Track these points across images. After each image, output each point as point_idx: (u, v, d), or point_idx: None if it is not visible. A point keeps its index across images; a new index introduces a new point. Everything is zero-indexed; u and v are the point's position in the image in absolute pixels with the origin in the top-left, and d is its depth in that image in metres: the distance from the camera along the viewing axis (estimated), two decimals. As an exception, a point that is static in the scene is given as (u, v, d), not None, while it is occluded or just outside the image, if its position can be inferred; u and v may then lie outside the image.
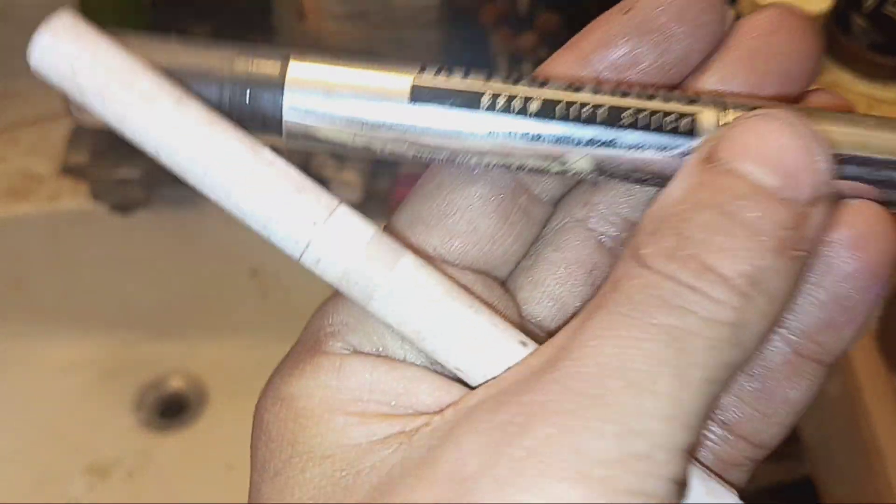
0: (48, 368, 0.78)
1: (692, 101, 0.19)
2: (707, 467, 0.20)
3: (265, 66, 0.19)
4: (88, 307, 0.79)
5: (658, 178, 0.19)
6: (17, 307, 0.78)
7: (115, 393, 0.77)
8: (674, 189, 0.18)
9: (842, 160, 0.19)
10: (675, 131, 0.19)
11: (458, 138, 0.19)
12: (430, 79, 0.19)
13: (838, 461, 0.42)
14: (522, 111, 0.19)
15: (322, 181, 0.69)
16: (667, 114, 0.19)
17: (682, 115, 0.19)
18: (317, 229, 0.18)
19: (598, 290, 0.18)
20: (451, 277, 0.20)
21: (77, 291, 0.79)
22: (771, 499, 0.59)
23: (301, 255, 0.19)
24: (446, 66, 0.20)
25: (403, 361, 0.20)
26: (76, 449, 0.74)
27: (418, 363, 0.20)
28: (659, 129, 0.19)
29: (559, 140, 0.19)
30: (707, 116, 0.19)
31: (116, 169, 0.67)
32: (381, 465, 0.18)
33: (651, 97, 0.19)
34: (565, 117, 0.19)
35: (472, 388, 0.19)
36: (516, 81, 0.19)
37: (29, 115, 0.79)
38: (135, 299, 0.79)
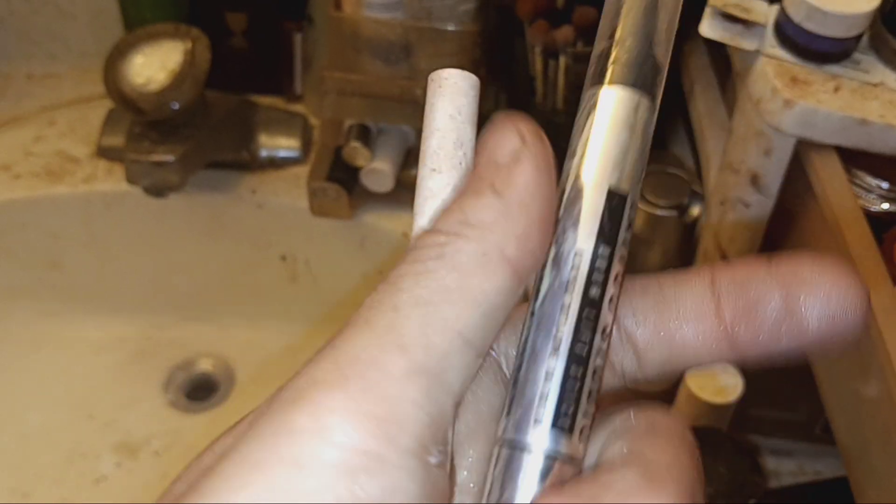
0: (80, 348, 0.79)
1: None
2: None
3: None
4: (121, 289, 0.80)
5: None
6: (50, 287, 0.79)
7: (145, 373, 0.78)
8: None
9: None
10: None
11: None
12: None
13: (875, 464, 0.41)
14: None
15: (353, 170, 0.69)
16: None
17: None
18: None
19: None
20: None
21: (110, 273, 0.79)
22: (810, 495, 0.59)
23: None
24: None
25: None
26: (106, 427, 0.75)
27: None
28: None
29: None
30: None
31: (151, 152, 0.68)
32: None
33: None
34: None
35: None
36: None
37: (66, 97, 0.80)
38: (166, 282, 0.80)
